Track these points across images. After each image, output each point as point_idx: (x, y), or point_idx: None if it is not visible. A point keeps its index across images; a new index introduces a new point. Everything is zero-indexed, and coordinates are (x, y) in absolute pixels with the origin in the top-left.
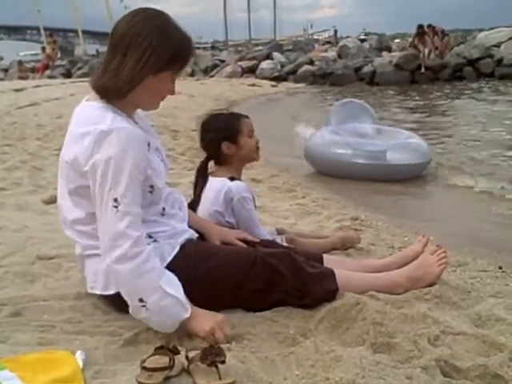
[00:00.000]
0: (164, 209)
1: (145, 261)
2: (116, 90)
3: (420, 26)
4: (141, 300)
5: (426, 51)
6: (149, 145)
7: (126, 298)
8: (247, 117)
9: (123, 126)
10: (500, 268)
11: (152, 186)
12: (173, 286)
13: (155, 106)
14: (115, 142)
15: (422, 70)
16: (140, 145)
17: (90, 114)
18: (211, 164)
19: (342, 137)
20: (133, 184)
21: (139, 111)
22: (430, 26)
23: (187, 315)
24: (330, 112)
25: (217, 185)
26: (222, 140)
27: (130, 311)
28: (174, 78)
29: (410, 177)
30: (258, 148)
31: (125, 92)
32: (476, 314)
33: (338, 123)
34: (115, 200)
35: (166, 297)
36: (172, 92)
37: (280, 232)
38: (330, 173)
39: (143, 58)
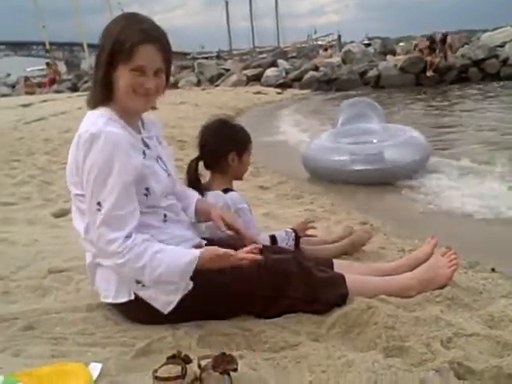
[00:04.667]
0: (165, 215)
1: (125, 255)
2: (97, 98)
3: (431, 38)
4: (138, 282)
5: (430, 60)
6: (144, 153)
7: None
8: None
9: (112, 130)
10: (493, 270)
11: (147, 189)
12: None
13: (136, 104)
14: (102, 146)
15: (428, 73)
16: (129, 149)
17: (86, 120)
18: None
19: (339, 143)
20: (118, 187)
21: (150, 120)
22: (430, 37)
23: (193, 262)
24: (338, 111)
25: (211, 198)
26: (232, 150)
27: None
28: (135, 69)
29: (412, 174)
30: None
31: (105, 97)
32: (488, 315)
33: (345, 122)
34: (98, 203)
35: (157, 268)
36: (142, 84)
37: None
38: (330, 180)
39: (97, 58)
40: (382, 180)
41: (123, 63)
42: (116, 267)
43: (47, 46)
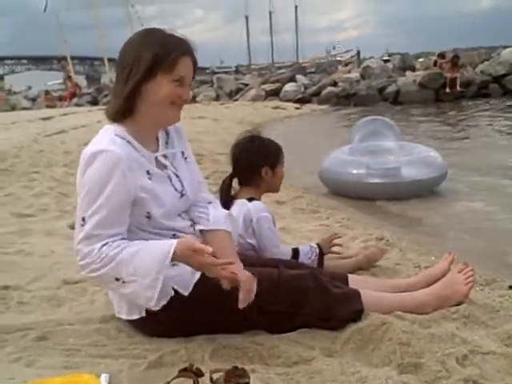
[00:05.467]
0: (174, 235)
1: (101, 260)
2: (121, 111)
3: (455, 57)
4: (117, 279)
5: (450, 76)
6: (148, 172)
7: (110, 287)
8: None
9: (114, 149)
10: (510, 287)
11: (149, 213)
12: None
13: (171, 116)
14: (100, 164)
15: (447, 89)
16: (129, 170)
17: (95, 137)
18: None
19: (356, 157)
20: (106, 208)
21: (178, 132)
22: (441, 55)
23: (168, 259)
24: (353, 129)
25: (236, 207)
26: (265, 164)
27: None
28: (176, 80)
29: (427, 191)
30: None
31: (128, 110)
32: (505, 333)
33: (360, 140)
34: (83, 219)
35: (132, 259)
36: (181, 95)
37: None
38: (346, 194)
39: (127, 71)
40: (398, 195)
41: (164, 73)
42: (93, 273)
43: (68, 61)
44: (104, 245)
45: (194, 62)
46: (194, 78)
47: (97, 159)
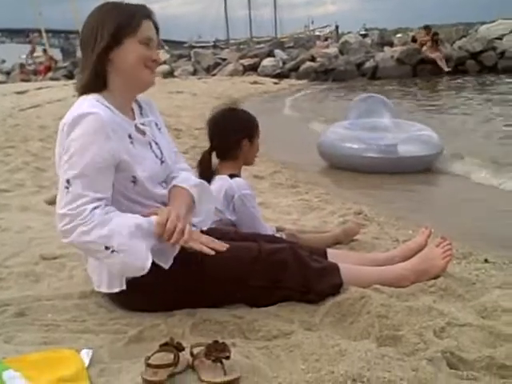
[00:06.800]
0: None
1: (90, 223)
2: (92, 83)
3: (435, 34)
4: (107, 248)
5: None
6: (130, 136)
7: (96, 256)
8: None
9: (98, 111)
10: (486, 260)
11: (134, 177)
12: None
13: (146, 79)
14: (85, 126)
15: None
16: (112, 133)
17: (72, 107)
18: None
19: (355, 131)
20: (92, 169)
21: (148, 104)
22: (427, 27)
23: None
24: (349, 107)
25: (217, 183)
26: (245, 137)
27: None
28: (143, 42)
29: (423, 168)
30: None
31: (99, 81)
32: (481, 306)
33: (356, 118)
34: (67, 181)
35: (124, 228)
36: (150, 56)
37: (280, 230)
38: (343, 167)
39: (92, 41)
40: (394, 171)
41: (130, 37)
42: (81, 237)
43: (43, 34)
44: (96, 208)
45: (156, 26)
46: (158, 42)
47: (81, 122)
